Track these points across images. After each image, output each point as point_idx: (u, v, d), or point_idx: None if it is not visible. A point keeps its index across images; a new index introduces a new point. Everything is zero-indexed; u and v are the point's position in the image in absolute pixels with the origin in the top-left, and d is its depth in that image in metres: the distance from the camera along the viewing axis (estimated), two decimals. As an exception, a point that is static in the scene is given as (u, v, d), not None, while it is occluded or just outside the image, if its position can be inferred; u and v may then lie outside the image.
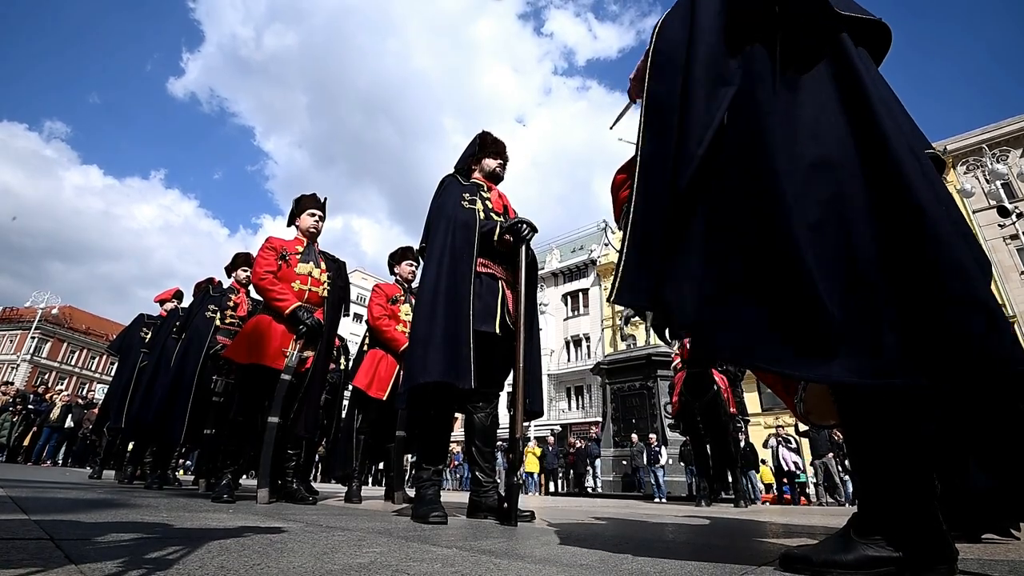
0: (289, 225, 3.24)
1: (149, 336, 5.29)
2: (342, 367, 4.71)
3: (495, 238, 2.31)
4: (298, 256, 3.02)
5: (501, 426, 2.59)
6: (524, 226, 2.29)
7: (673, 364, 5.93)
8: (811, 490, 10.55)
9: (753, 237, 0.97)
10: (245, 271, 4.21)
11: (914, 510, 0.88)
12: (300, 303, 2.88)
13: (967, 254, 0.83)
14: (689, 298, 1.00)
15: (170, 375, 3.94)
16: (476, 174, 2.64)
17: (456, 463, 15.29)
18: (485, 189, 2.56)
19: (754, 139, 1.02)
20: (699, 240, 1.03)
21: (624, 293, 1.08)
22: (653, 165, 1.13)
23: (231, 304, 4.17)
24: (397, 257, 4.03)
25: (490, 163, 2.65)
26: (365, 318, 3.97)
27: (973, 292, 0.81)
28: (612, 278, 1.12)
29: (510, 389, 2.17)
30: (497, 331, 2.21)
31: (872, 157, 0.94)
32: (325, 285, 3.07)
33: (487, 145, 2.67)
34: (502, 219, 2.43)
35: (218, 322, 4.06)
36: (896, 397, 0.87)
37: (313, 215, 3.16)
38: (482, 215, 2.38)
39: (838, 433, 8.77)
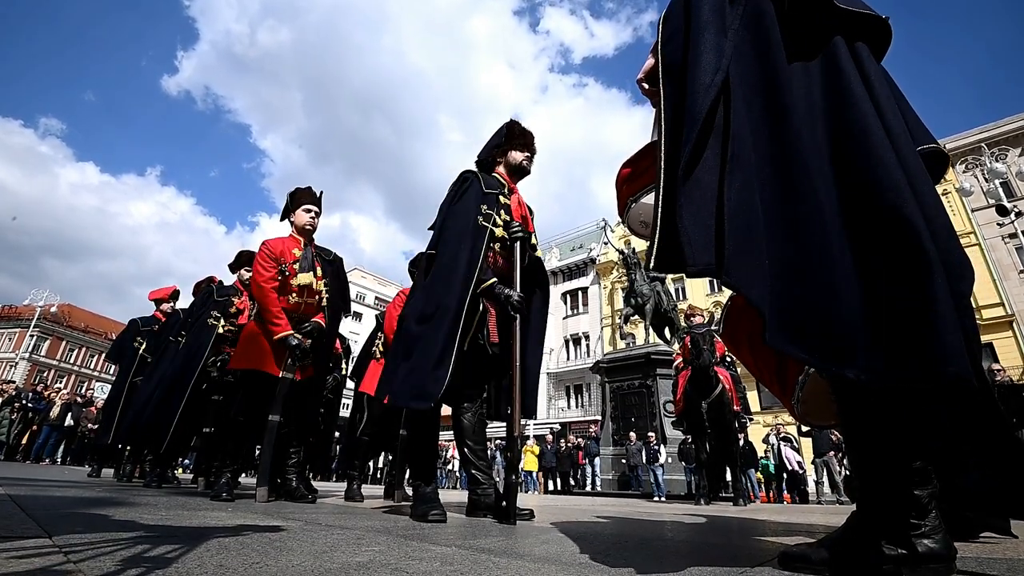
0: (283, 219, 3.13)
1: (144, 346, 5.04)
2: (342, 370, 4.69)
3: (492, 291, 2.22)
4: (296, 265, 2.91)
5: (499, 424, 2.59)
6: (515, 300, 2.19)
7: (675, 363, 5.92)
8: (811, 487, 10.55)
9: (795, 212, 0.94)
10: (248, 271, 4.13)
11: (913, 508, 0.88)
12: (290, 332, 2.78)
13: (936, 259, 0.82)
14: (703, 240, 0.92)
15: (164, 390, 3.77)
16: (500, 168, 2.52)
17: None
18: (506, 193, 2.42)
19: (770, 105, 1.01)
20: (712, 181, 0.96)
21: (661, 263, 0.98)
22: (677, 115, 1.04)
23: (233, 311, 4.01)
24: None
25: (516, 156, 2.51)
26: (381, 324, 3.91)
27: (931, 293, 0.80)
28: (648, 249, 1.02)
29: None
30: (490, 351, 2.25)
31: (852, 165, 0.93)
32: (324, 294, 3.03)
33: (514, 136, 2.51)
34: (519, 230, 2.31)
35: (220, 330, 3.90)
36: (900, 397, 0.87)
37: (309, 211, 3.04)
38: (498, 231, 2.28)
39: (835, 433, 8.78)
